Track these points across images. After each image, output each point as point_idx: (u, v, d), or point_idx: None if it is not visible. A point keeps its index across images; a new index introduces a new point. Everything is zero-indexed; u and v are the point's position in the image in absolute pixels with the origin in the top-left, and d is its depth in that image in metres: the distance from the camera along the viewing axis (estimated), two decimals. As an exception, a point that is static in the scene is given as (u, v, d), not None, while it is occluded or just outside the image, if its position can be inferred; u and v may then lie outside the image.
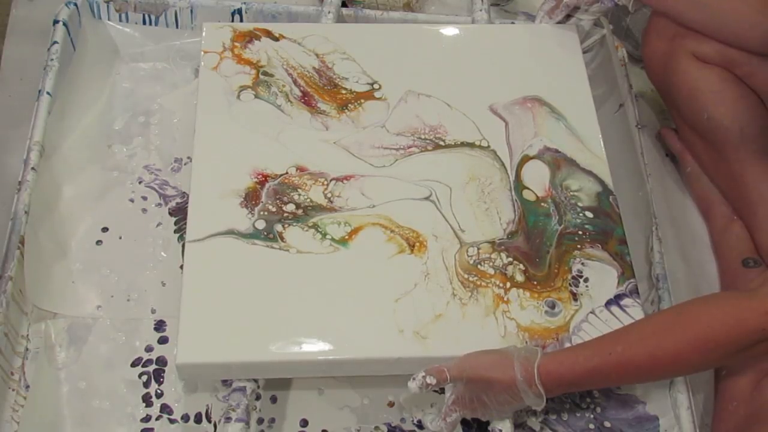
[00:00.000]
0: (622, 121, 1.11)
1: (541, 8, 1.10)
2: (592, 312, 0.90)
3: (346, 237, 0.92)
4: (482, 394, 0.82)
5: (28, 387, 0.89)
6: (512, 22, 1.18)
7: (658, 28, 1.06)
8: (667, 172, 1.15)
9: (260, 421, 0.91)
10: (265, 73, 1.03)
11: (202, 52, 1.04)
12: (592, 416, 0.94)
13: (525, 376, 0.80)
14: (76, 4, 1.09)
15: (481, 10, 1.15)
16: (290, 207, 0.93)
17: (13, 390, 0.88)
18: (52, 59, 1.04)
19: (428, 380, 0.81)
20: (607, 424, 0.94)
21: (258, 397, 0.90)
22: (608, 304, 0.91)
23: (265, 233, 0.91)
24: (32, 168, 0.96)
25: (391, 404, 0.93)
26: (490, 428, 0.87)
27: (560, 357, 0.81)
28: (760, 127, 1.02)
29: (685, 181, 1.13)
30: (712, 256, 1.08)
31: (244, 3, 1.12)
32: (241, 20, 1.13)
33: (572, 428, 0.93)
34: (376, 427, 0.92)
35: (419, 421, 0.92)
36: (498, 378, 0.80)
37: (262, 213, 0.92)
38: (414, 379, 0.81)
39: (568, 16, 1.10)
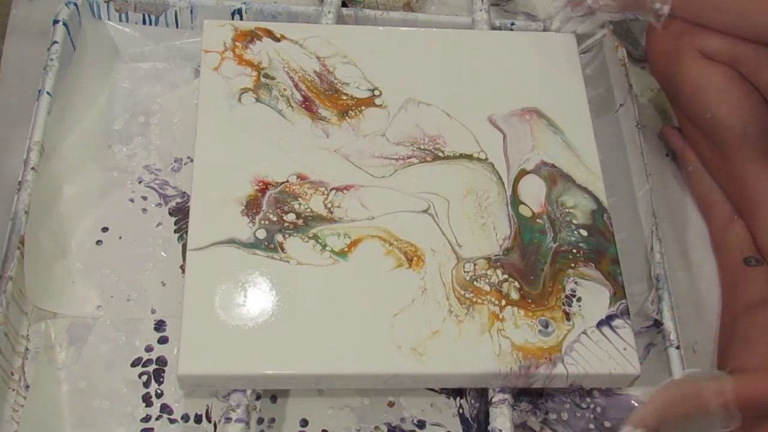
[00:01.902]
0: (622, 121, 1.11)
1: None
2: (584, 332, 0.90)
3: (346, 249, 0.91)
4: (677, 429, 0.83)
5: (28, 387, 0.89)
6: (512, 23, 1.18)
7: (665, 24, 1.06)
8: (667, 172, 1.15)
9: (260, 421, 0.91)
10: (267, 76, 1.02)
11: (203, 52, 1.03)
12: (592, 416, 0.94)
13: (719, 403, 0.81)
14: (76, 4, 1.08)
15: (481, 10, 1.15)
16: (291, 216, 0.93)
17: (13, 390, 0.88)
18: (52, 59, 1.04)
19: None
20: (607, 424, 0.93)
21: (258, 397, 0.90)
22: (600, 324, 0.91)
23: (266, 243, 0.91)
24: (32, 168, 0.96)
25: (391, 404, 0.93)
26: (490, 428, 0.87)
27: (753, 381, 0.83)
28: (763, 126, 1.02)
29: (686, 180, 1.13)
30: (712, 256, 1.08)
31: (244, 3, 1.12)
32: (241, 20, 1.13)
33: (572, 428, 0.93)
34: (376, 427, 0.92)
35: (419, 421, 0.93)
36: (691, 411, 0.82)
37: (263, 222, 0.92)
38: None
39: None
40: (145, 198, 1.03)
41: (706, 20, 1.01)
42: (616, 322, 0.91)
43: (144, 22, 1.13)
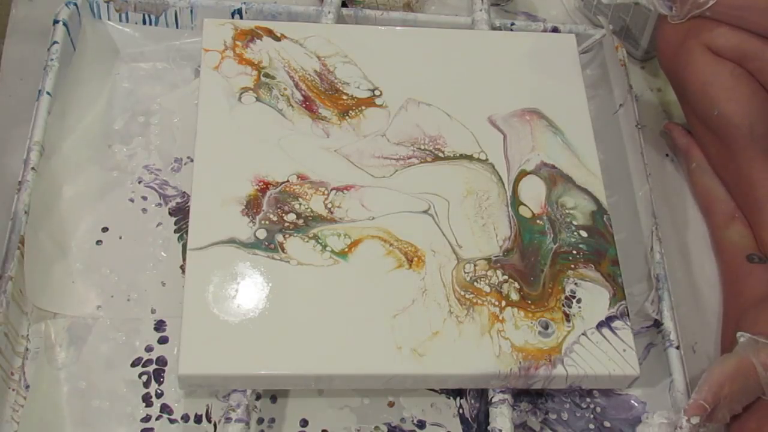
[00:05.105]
0: (622, 121, 1.11)
1: None
2: (584, 334, 0.90)
3: (346, 249, 0.91)
4: (733, 403, 0.85)
5: (28, 387, 0.89)
6: (512, 23, 1.18)
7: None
8: (667, 172, 1.15)
9: (260, 421, 0.91)
10: (267, 75, 1.02)
11: (203, 51, 1.03)
12: (592, 416, 0.94)
13: None
14: (76, 4, 1.08)
15: (481, 10, 1.15)
16: (291, 217, 0.93)
17: (13, 390, 0.88)
18: (52, 59, 1.04)
19: (693, 421, 0.83)
20: (607, 424, 0.94)
21: (258, 397, 0.90)
22: (600, 326, 0.91)
23: (266, 243, 0.91)
24: (32, 168, 0.96)
25: (391, 404, 0.93)
26: (490, 428, 0.87)
27: None
28: None
29: (687, 177, 1.13)
30: (712, 256, 1.08)
31: (244, 3, 1.12)
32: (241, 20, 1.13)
33: (572, 428, 0.93)
34: (376, 427, 0.92)
35: (419, 421, 0.93)
36: (746, 385, 0.84)
37: (263, 222, 0.92)
38: (681, 428, 0.83)
39: None
40: (145, 198, 1.03)
41: (746, 21, 1.00)
42: (616, 324, 0.91)
43: (144, 22, 1.13)
